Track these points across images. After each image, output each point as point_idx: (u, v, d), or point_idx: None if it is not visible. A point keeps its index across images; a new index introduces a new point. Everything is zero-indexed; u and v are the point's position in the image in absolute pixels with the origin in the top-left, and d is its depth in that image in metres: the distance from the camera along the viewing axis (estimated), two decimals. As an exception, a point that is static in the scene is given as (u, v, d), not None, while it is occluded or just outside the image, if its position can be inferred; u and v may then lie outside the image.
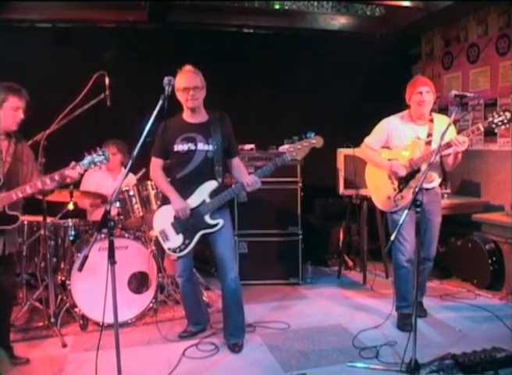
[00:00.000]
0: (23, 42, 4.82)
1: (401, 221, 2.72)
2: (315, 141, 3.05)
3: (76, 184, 3.72)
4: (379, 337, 3.32)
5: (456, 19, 5.24)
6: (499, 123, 3.05)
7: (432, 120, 3.45)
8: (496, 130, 3.13)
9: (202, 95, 3.14)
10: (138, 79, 5.22)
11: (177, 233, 3.17)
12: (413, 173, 3.40)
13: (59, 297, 3.75)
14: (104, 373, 2.63)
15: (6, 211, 2.73)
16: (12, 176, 2.82)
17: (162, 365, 3.00)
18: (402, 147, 3.47)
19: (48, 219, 3.58)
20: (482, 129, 3.12)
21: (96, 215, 4.17)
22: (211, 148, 3.13)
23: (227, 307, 3.24)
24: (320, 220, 5.44)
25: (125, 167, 3.98)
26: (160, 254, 3.97)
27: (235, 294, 3.21)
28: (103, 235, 3.48)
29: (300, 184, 4.58)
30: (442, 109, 5.42)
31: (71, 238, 3.90)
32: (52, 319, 3.46)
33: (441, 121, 3.44)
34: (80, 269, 2.29)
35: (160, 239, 3.23)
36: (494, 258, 4.15)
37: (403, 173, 3.39)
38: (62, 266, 3.88)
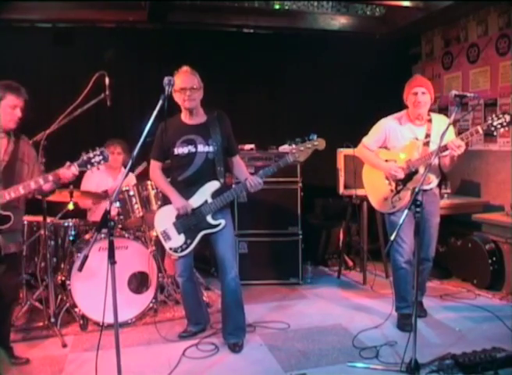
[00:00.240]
0: (23, 42, 4.82)
1: (401, 221, 2.70)
2: (318, 143, 3.04)
3: (77, 184, 3.72)
4: (379, 337, 3.31)
5: (456, 19, 5.23)
6: (499, 126, 3.02)
7: (430, 120, 3.42)
8: (494, 133, 3.10)
9: (199, 96, 3.15)
10: (138, 79, 5.23)
11: (179, 233, 3.17)
12: (410, 175, 3.38)
13: (59, 297, 3.75)
14: (104, 373, 2.63)
15: None
16: (9, 175, 2.77)
17: (162, 365, 3.00)
18: (400, 147, 3.45)
19: (48, 219, 3.58)
20: (481, 131, 3.10)
21: (96, 215, 4.17)
22: (211, 149, 3.13)
23: (227, 307, 3.24)
24: (320, 220, 5.43)
25: (125, 167, 3.98)
26: (160, 254, 3.97)
27: (235, 294, 3.21)
28: (103, 235, 3.48)
29: (300, 184, 4.58)
30: (442, 109, 5.41)
31: (71, 238, 3.90)
32: (52, 319, 3.46)
33: (439, 121, 3.42)
34: (80, 269, 2.29)
35: (161, 239, 3.23)
36: (494, 259, 4.15)
37: (401, 175, 3.38)
38: (62, 266, 3.88)
